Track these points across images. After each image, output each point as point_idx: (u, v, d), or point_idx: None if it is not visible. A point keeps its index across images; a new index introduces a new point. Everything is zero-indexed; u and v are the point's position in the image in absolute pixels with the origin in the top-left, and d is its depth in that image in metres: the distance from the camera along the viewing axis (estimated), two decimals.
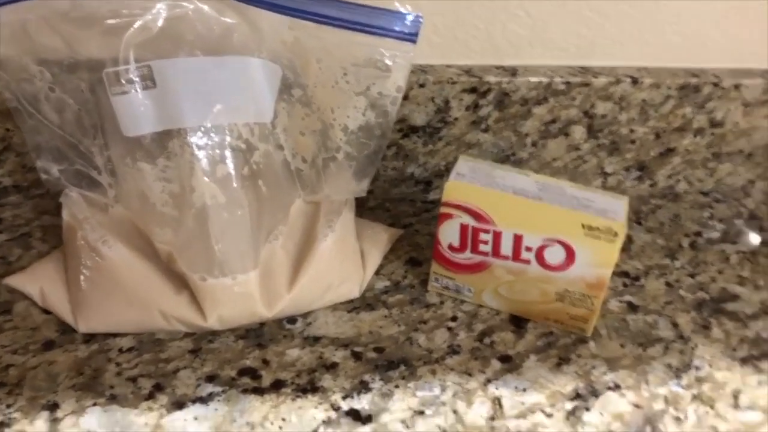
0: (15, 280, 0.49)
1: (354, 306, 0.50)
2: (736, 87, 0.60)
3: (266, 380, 0.44)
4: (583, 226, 0.44)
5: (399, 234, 0.57)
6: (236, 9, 0.43)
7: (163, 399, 0.42)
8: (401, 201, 0.63)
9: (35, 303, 0.48)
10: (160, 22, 0.42)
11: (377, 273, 0.54)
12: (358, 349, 0.47)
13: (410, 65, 0.45)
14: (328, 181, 0.50)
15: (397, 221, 0.60)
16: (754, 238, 0.62)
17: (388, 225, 0.58)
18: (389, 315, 0.50)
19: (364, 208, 0.61)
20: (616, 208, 0.44)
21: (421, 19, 0.43)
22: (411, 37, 0.44)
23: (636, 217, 0.63)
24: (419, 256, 0.56)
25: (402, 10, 0.44)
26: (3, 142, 0.55)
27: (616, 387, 0.45)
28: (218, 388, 0.43)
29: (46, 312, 0.48)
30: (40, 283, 0.48)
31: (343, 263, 0.51)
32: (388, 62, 0.44)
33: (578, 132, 0.61)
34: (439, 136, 0.59)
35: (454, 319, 0.50)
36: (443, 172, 0.62)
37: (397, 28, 0.44)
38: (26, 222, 0.56)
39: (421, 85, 0.56)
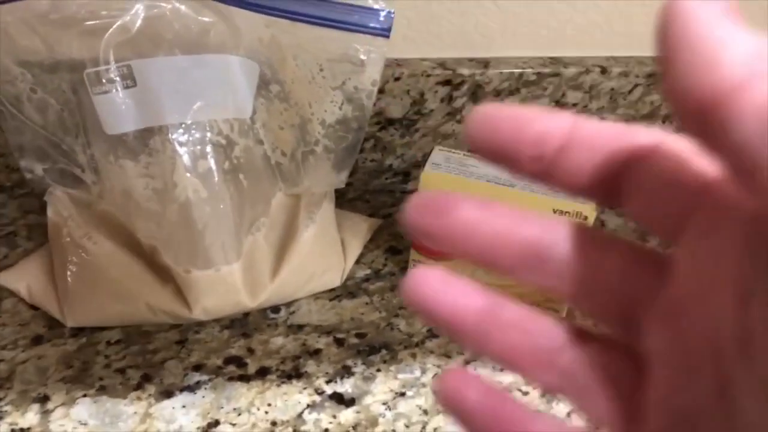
0: (2, 278, 0.50)
1: (336, 294, 0.52)
2: None
3: (252, 368, 0.45)
4: (554, 210, 0.46)
5: (378, 224, 0.58)
6: (213, 8, 0.44)
7: (151, 389, 0.44)
8: (380, 192, 0.64)
9: (23, 299, 0.49)
10: (138, 23, 0.43)
11: (358, 262, 0.55)
12: (340, 335, 0.48)
13: (384, 59, 0.46)
14: (308, 174, 0.51)
15: (376, 212, 0.61)
16: None
17: (368, 216, 0.59)
18: (370, 302, 0.51)
19: (343, 200, 0.62)
20: None
21: (392, 15, 0.45)
22: (384, 32, 0.45)
23: None
24: (398, 244, 0.57)
25: (374, 5, 0.45)
26: None
27: None
28: (205, 377, 0.45)
29: (34, 308, 0.49)
30: (27, 280, 0.49)
31: (324, 253, 0.52)
32: (363, 57, 0.46)
33: None
34: (415, 128, 0.61)
35: None
36: (420, 163, 0.64)
37: (370, 24, 0.45)
38: (11, 221, 0.57)
39: (397, 79, 0.58)
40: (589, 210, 0.45)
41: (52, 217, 0.49)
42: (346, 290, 0.52)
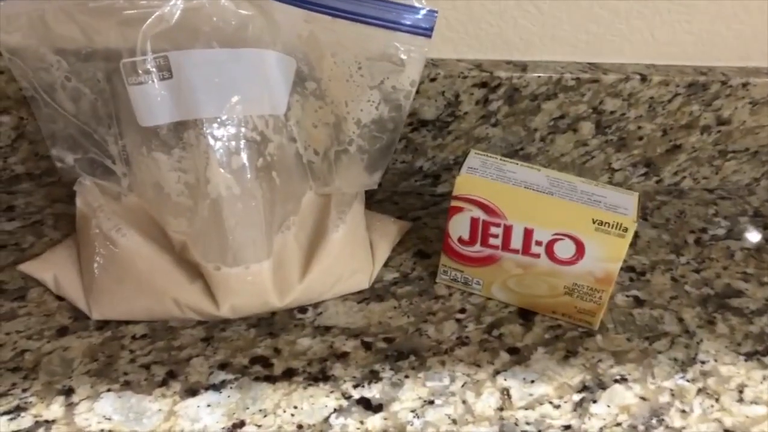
0: (29, 267, 0.49)
1: (364, 297, 0.51)
2: (744, 85, 0.61)
3: (278, 368, 0.45)
4: (593, 221, 0.44)
5: (408, 227, 0.58)
6: (252, 1, 0.43)
7: (176, 386, 0.43)
8: (409, 194, 0.63)
9: (49, 290, 0.49)
10: (177, 14, 0.42)
11: (386, 265, 0.54)
12: (368, 339, 0.47)
13: (424, 60, 0.45)
14: (340, 174, 0.51)
15: (405, 214, 0.60)
16: (759, 236, 0.62)
17: (396, 218, 0.59)
18: (398, 306, 0.50)
19: (372, 201, 0.62)
20: (627, 204, 0.45)
21: (436, 14, 0.44)
22: (426, 32, 0.44)
23: (642, 213, 0.64)
24: (427, 248, 0.56)
25: (417, 4, 0.44)
26: (17, 130, 0.55)
27: (623, 379, 0.46)
28: (231, 376, 0.44)
29: (60, 298, 0.48)
30: (53, 270, 0.49)
31: (353, 255, 0.51)
32: (403, 56, 0.45)
33: (586, 128, 0.61)
34: (448, 130, 0.60)
35: (462, 311, 0.50)
36: (452, 166, 0.63)
37: (412, 23, 0.44)
38: (38, 210, 0.57)
39: (432, 79, 0.57)
40: (629, 221, 0.44)
41: (81, 207, 0.49)
42: (374, 293, 0.51)
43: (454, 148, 0.61)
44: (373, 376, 0.45)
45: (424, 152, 0.61)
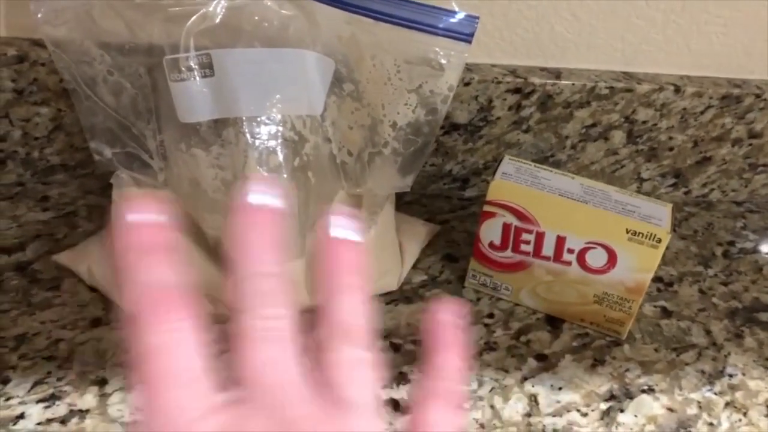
0: (64, 258, 0.50)
1: (392, 298, 0.51)
2: None
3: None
4: (627, 230, 0.44)
5: (437, 230, 0.58)
6: (295, 2, 0.44)
7: None
8: (438, 197, 0.63)
9: (82, 280, 0.49)
10: (220, 12, 0.42)
11: (414, 267, 0.55)
12: (396, 340, 0.48)
13: (464, 65, 0.45)
14: (373, 176, 0.51)
15: (433, 217, 0.61)
16: None
17: (424, 220, 0.59)
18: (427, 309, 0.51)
19: (400, 203, 0.62)
20: (661, 215, 0.45)
21: (477, 20, 0.44)
22: (466, 37, 0.44)
23: None
24: (456, 252, 0.57)
25: (458, 10, 0.44)
26: (54, 121, 0.56)
27: (650, 390, 0.46)
28: None
29: (93, 290, 0.49)
30: (88, 261, 0.49)
31: (383, 256, 0.51)
32: (442, 61, 0.45)
33: (618, 137, 0.61)
34: (479, 134, 0.60)
35: (490, 316, 0.51)
36: (481, 171, 0.63)
37: (452, 28, 0.44)
38: (72, 201, 0.57)
39: (466, 84, 0.57)
40: (663, 233, 0.44)
41: (117, 200, 0.49)
42: (403, 295, 0.52)
43: (484, 153, 0.61)
44: (402, 378, 0.45)
45: (454, 156, 0.61)
